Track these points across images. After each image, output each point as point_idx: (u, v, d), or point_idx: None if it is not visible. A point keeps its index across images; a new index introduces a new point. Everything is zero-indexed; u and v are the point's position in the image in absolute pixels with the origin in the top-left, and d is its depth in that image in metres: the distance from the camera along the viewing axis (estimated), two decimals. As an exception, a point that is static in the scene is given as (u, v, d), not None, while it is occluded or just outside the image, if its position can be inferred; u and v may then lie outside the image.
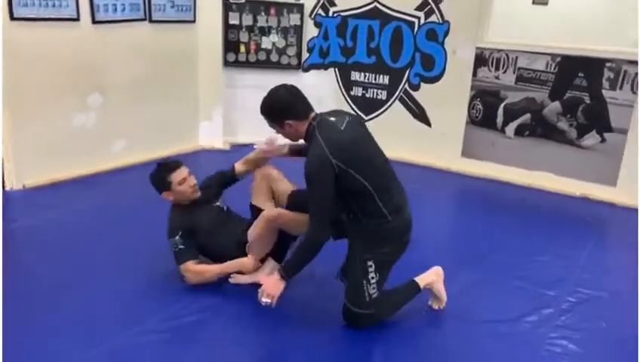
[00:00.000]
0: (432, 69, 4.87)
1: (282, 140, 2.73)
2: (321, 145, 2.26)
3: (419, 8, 4.80)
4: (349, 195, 2.34)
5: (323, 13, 5.23)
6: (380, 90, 5.19)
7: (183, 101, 5.02)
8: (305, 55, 5.35)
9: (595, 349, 2.45)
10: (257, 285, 2.74)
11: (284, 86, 2.43)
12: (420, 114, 5.03)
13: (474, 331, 2.53)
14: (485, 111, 4.72)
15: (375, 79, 5.18)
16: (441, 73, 4.83)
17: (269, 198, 2.90)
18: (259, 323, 2.51)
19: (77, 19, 4.01)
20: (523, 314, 2.66)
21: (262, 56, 5.27)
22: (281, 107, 2.37)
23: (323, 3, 5.20)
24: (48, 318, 2.47)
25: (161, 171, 2.82)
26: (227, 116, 5.29)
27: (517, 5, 6.02)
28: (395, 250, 2.43)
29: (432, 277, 2.61)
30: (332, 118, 2.41)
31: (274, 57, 5.29)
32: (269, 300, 2.35)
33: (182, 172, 2.80)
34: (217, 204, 2.94)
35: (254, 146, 2.87)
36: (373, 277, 2.38)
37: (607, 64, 4.15)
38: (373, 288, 2.40)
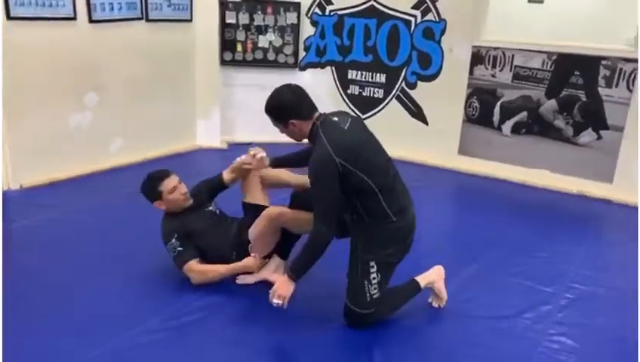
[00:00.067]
0: (428, 67, 4.88)
1: (263, 153, 2.77)
2: (325, 145, 2.27)
3: (415, 7, 4.81)
4: (354, 195, 2.35)
5: (320, 12, 5.24)
6: (376, 89, 5.20)
7: (180, 100, 5.01)
8: (302, 54, 5.35)
9: (593, 345, 2.47)
10: (259, 284, 2.76)
11: (288, 85, 2.44)
12: (416, 112, 5.05)
13: (474, 327, 2.55)
14: (482, 110, 4.73)
15: (372, 78, 5.19)
16: (438, 71, 4.85)
17: (260, 190, 2.91)
18: (259, 321, 2.51)
19: (74, 19, 4.00)
20: (522, 311, 2.68)
21: (259, 55, 5.27)
22: (286, 106, 2.37)
23: (320, 2, 5.21)
24: (48, 318, 2.46)
25: (151, 181, 2.81)
26: (224, 115, 5.29)
27: (513, 4, 6.04)
28: (398, 251, 2.44)
29: (433, 277, 2.62)
30: (335, 118, 2.41)
31: (271, 56, 5.29)
32: (280, 301, 2.36)
33: (172, 180, 2.80)
34: (210, 208, 2.94)
35: (239, 158, 2.85)
36: (374, 278, 2.39)
37: (603, 62, 4.17)
38: (375, 288, 2.40)
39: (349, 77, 5.31)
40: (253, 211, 2.82)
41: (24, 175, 3.94)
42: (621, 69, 4.11)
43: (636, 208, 4.07)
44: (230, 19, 5.10)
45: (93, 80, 4.27)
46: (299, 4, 5.19)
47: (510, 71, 4.54)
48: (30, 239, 3.24)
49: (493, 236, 3.54)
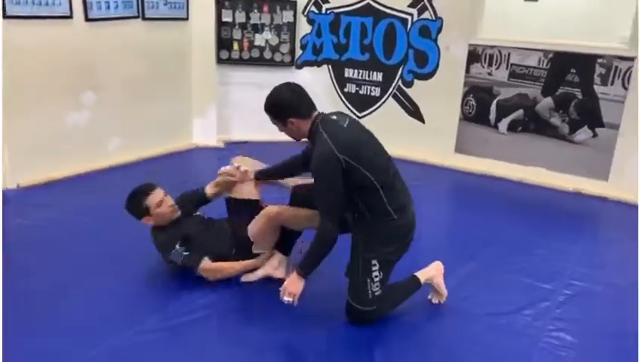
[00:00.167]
0: (425, 65, 4.89)
1: (246, 167, 2.78)
2: (326, 141, 2.28)
3: (412, 5, 4.82)
4: (356, 192, 2.36)
5: (316, 10, 5.24)
6: (373, 87, 5.21)
7: (176, 99, 5.00)
8: (298, 52, 5.35)
9: (592, 340, 2.49)
10: (261, 281, 2.77)
11: (287, 84, 2.44)
12: (413, 110, 5.06)
13: (473, 324, 2.56)
14: (478, 108, 4.75)
15: (369, 76, 5.20)
16: (435, 70, 4.86)
17: (249, 183, 2.90)
18: (259, 320, 2.52)
19: (70, 17, 3.99)
20: (521, 307, 2.70)
21: (255, 54, 5.27)
22: (285, 105, 2.38)
23: (316, 0, 5.21)
24: (46, 318, 2.45)
25: (136, 197, 2.75)
26: (221, 113, 5.28)
27: (509, 2, 6.05)
28: (398, 250, 2.46)
29: (432, 272, 2.63)
30: (334, 117, 2.43)
31: (267, 54, 5.29)
32: (290, 299, 2.37)
33: (157, 194, 2.76)
34: (197, 213, 2.94)
35: (224, 168, 2.86)
36: (376, 276, 2.40)
37: (599, 60, 4.19)
38: (377, 286, 2.41)
39: (346, 75, 5.31)
40: (243, 206, 2.82)
41: (21, 174, 3.92)
42: (616, 67, 4.13)
43: (631, 205, 4.11)
44: (226, 17, 5.10)
45: (90, 79, 4.26)
46: (295, 2, 5.19)
47: (506, 69, 4.56)
48: (27, 238, 3.22)
49: (490, 234, 3.56)
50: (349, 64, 5.26)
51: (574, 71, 4.31)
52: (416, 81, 4.98)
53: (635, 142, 4.11)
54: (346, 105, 5.35)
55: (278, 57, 5.31)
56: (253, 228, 2.72)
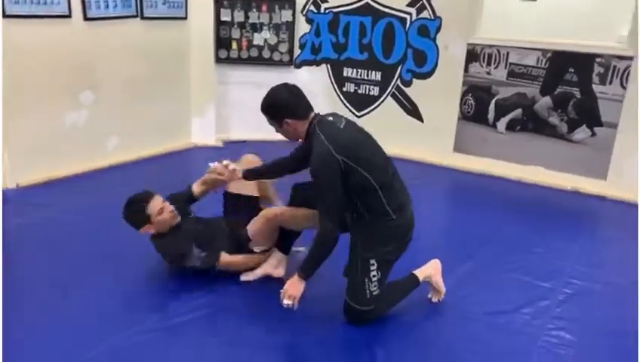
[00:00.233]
0: (424, 64, 4.90)
1: (234, 165, 2.76)
2: (324, 142, 2.29)
3: (411, 4, 4.83)
4: (354, 192, 2.36)
5: (315, 10, 5.24)
6: (372, 86, 5.21)
7: (175, 98, 5.00)
8: (297, 51, 5.35)
9: (591, 338, 2.50)
10: (260, 280, 2.77)
11: (285, 85, 2.45)
12: (412, 109, 5.07)
13: (473, 323, 2.57)
14: (477, 107, 4.76)
15: (367, 75, 5.20)
16: (433, 69, 4.86)
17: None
18: (259, 319, 2.52)
19: (69, 16, 3.98)
20: (520, 306, 2.70)
21: (254, 53, 5.27)
22: (281, 105, 2.38)
23: (315, -1, 5.22)
24: (48, 318, 2.45)
25: (136, 205, 2.68)
26: (219, 113, 5.28)
27: (508, 2, 6.07)
28: (397, 249, 2.46)
29: (430, 270, 2.64)
30: (330, 118, 2.44)
31: (266, 54, 5.29)
32: (290, 302, 2.36)
33: (157, 201, 2.70)
34: (191, 215, 2.92)
35: (210, 164, 2.83)
36: (374, 276, 2.40)
37: (597, 59, 4.20)
38: (375, 286, 2.42)
39: (345, 74, 5.31)
40: (242, 202, 2.84)
41: (21, 174, 3.92)
42: (615, 66, 4.14)
43: (630, 204, 4.12)
44: (225, 16, 5.10)
45: (88, 78, 4.26)
46: (294, 1, 5.19)
47: (505, 68, 4.57)
48: (27, 238, 3.22)
49: (488, 233, 3.56)
50: (347, 63, 5.27)
51: (573, 70, 4.31)
52: (414, 80, 4.98)
53: (633, 141, 4.12)
54: (344, 105, 5.35)
55: (276, 57, 5.32)
56: (253, 228, 2.74)
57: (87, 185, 4.11)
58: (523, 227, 3.68)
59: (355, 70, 5.25)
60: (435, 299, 2.69)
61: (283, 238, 2.80)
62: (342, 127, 2.39)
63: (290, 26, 5.25)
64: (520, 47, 4.49)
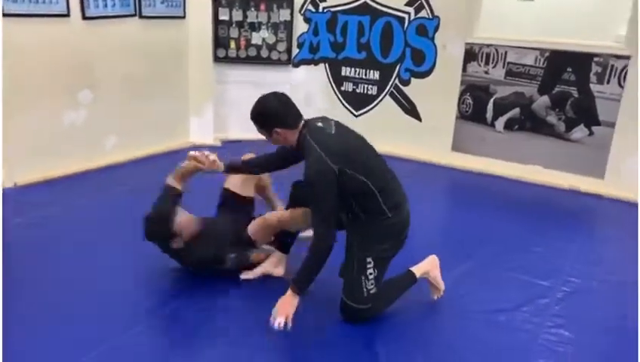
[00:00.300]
0: (422, 64, 4.90)
1: (214, 156, 2.68)
2: (316, 150, 2.28)
3: (409, 4, 4.83)
4: (350, 195, 2.35)
5: (313, 9, 5.24)
6: (370, 86, 5.22)
7: (173, 97, 5.00)
8: (295, 50, 5.35)
9: (590, 336, 2.51)
10: (261, 279, 2.78)
11: (274, 93, 2.43)
12: (410, 109, 5.07)
13: (472, 322, 2.57)
14: (475, 106, 4.77)
15: (365, 74, 5.21)
16: (432, 68, 4.87)
17: (244, 177, 2.92)
18: (258, 319, 2.49)
19: (67, 15, 3.97)
20: (519, 304, 2.71)
21: (252, 52, 5.27)
22: (271, 114, 2.37)
23: (313, -2, 5.22)
24: (47, 318, 2.45)
25: (160, 222, 2.59)
26: (218, 112, 5.28)
27: (505, 1, 6.07)
28: (393, 247, 2.46)
29: (427, 267, 2.64)
30: (319, 124, 2.43)
31: (264, 53, 5.29)
32: (282, 322, 2.23)
33: (181, 214, 2.64)
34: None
35: (192, 152, 2.74)
36: (371, 274, 2.41)
37: (595, 59, 4.22)
38: (372, 284, 2.42)
39: (343, 74, 5.32)
40: (241, 202, 2.85)
41: (19, 173, 3.91)
42: (612, 66, 4.16)
43: (627, 203, 4.14)
44: (223, 16, 5.10)
45: (87, 77, 4.25)
46: (292, 0, 5.19)
47: (503, 67, 4.58)
48: (25, 238, 3.20)
49: (487, 232, 3.57)
50: (345, 62, 5.27)
51: (570, 69, 4.33)
52: (413, 79, 4.99)
53: (630, 140, 4.14)
54: (342, 104, 5.36)
55: (275, 56, 5.31)
56: (252, 229, 2.77)
57: (86, 184, 4.10)
58: (521, 226, 3.69)
59: (353, 69, 5.25)
60: (435, 297, 2.68)
61: (282, 238, 2.81)
62: (332, 132, 2.38)
63: (289, 25, 5.25)
64: (518, 47, 4.50)
